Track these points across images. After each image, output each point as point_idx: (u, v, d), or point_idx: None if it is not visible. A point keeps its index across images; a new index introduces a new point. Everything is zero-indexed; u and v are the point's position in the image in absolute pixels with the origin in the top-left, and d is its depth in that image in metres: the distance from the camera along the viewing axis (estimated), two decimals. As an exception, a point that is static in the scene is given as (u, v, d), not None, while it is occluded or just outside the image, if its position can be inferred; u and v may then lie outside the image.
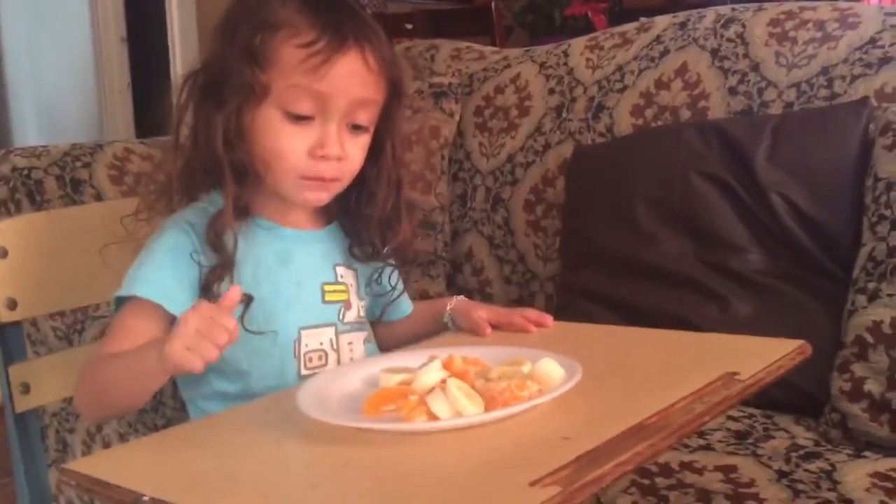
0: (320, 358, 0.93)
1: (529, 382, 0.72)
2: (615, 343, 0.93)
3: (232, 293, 0.73)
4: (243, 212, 0.90)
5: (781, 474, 1.02)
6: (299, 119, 0.87)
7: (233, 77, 0.87)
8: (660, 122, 1.63)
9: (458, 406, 0.68)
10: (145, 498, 0.61)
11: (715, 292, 1.36)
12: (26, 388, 0.96)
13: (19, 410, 0.96)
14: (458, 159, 1.94)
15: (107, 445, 1.76)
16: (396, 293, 1.03)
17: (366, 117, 0.91)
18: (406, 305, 1.07)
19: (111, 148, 1.89)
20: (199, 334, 0.70)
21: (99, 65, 3.12)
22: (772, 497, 0.97)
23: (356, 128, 0.90)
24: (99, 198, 1.80)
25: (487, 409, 0.69)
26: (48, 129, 3.04)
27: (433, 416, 0.68)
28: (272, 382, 0.90)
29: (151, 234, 0.90)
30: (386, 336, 1.04)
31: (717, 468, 1.04)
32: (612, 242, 1.53)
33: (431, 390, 0.73)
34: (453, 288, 1.87)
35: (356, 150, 0.91)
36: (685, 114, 1.61)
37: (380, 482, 0.61)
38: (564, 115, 1.79)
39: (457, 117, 1.96)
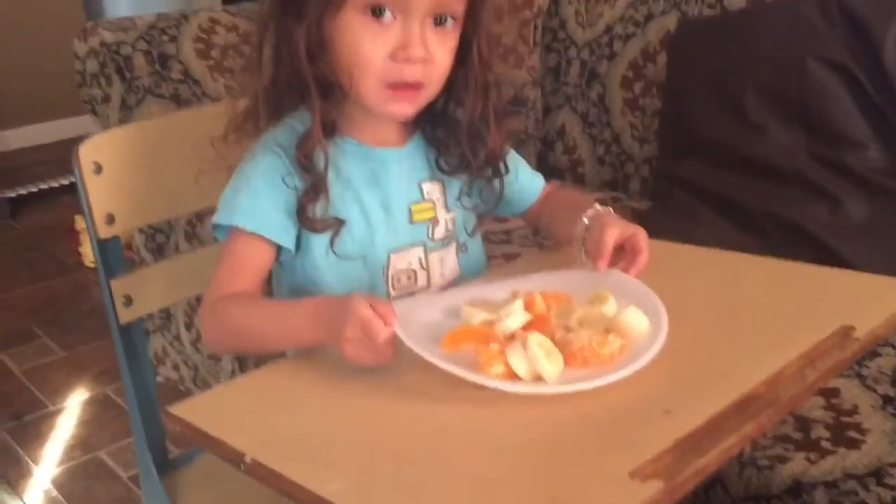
0: (409, 277, 0.91)
1: (611, 337, 0.70)
2: (713, 276, 0.87)
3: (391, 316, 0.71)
4: (330, 129, 0.87)
5: (887, 400, 0.99)
6: (380, 15, 0.81)
7: None
8: (777, -6, 1.49)
9: (538, 365, 0.66)
10: (247, 459, 0.62)
11: (827, 191, 1.28)
12: (128, 301, 0.99)
13: (123, 322, 0.99)
14: (553, 28, 1.83)
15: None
16: (494, 202, 0.98)
17: (450, 8, 0.84)
18: (525, 195, 1.02)
19: (196, 19, 1.86)
20: (363, 341, 0.71)
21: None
22: (875, 428, 0.94)
23: (440, 23, 0.84)
24: (187, 73, 1.79)
25: (566, 365, 0.68)
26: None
27: (510, 369, 0.67)
28: None
29: (243, 155, 0.88)
30: (530, 222, 1.05)
31: (819, 391, 1.01)
32: (715, 130, 1.44)
33: (512, 336, 0.72)
34: (544, 167, 1.81)
35: (442, 52, 0.85)
36: (806, -16, 1.46)
37: (474, 459, 0.60)
38: (670, -19, 1.65)
39: (552, -18, 1.83)
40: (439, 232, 0.93)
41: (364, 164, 0.89)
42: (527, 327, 0.74)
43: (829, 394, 1.00)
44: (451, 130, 0.93)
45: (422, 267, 0.92)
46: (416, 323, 0.74)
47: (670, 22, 1.62)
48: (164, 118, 1.08)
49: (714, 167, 1.41)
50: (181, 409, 0.70)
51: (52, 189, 3.22)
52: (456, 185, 0.95)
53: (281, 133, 0.87)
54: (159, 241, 1.82)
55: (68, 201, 3.04)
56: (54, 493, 1.69)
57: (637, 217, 1.52)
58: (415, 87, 0.85)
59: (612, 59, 1.71)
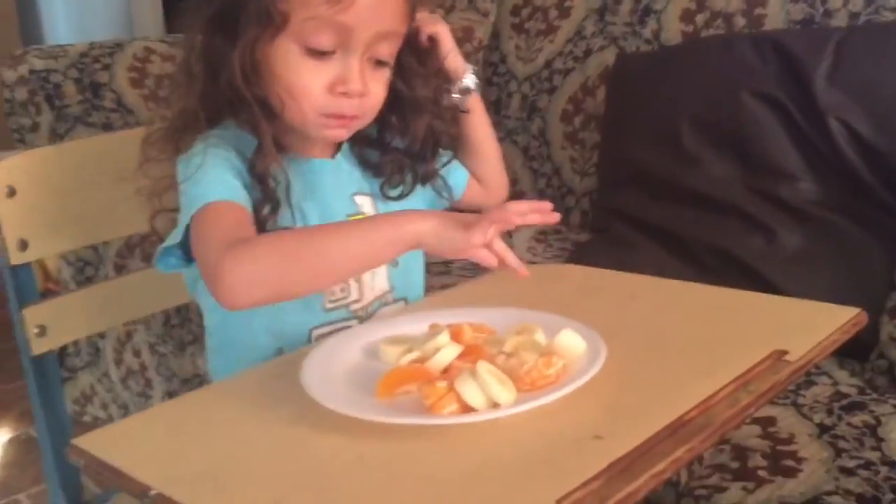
0: (342, 290, 0.89)
1: (555, 358, 0.68)
2: (649, 302, 0.86)
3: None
4: (279, 146, 0.84)
5: (823, 428, 0.98)
6: (319, 54, 0.81)
7: (248, 6, 0.80)
8: (711, 30, 1.51)
9: (492, 393, 0.63)
10: (151, 492, 0.58)
11: (761, 222, 1.29)
12: (42, 331, 0.94)
13: (36, 353, 0.93)
14: (493, 62, 1.84)
15: (136, 353, 1.78)
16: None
17: (389, 51, 0.85)
18: (460, 177, 1.01)
19: (131, 48, 1.82)
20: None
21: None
22: (812, 456, 0.93)
23: (379, 62, 0.84)
24: (119, 102, 1.74)
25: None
26: (77, 24, 2.93)
27: (463, 404, 0.64)
28: (297, 318, 0.87)
29: (175, 167, 0.84)
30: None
31: (756, 420, 1.00)
32: (653, 162, 1.44)
33: (447, 369, 0.69)
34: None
35: (378, 86, 0.86)
36: (740, 21, 1.49)
37: (397, 484, 0.57)
38: (608, 17, 1.67)
39: (492, 17, 1.84)
40: None
41: (301, 176, 0.88)
42: (461, 358, 0.71)
43: (766, 422, 0.99)
44: (391, 153, 0.92)
45: (354, 279, 0.90)
46: (340, 371, 0.71)
47: (608, 57, 1.64)
48: (82, 141, 1.04)
49: (652, 199, 1.42)
50: (86, 441, 0.66)
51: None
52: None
53: (222, 133, 0.84)
54: (88, 273, 1.76)
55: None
56: (-31, 539, 1.60)
57: (578, 249, 1.52)
58: (351, 117, 0.85)
59: (552, 93, 1.72)
